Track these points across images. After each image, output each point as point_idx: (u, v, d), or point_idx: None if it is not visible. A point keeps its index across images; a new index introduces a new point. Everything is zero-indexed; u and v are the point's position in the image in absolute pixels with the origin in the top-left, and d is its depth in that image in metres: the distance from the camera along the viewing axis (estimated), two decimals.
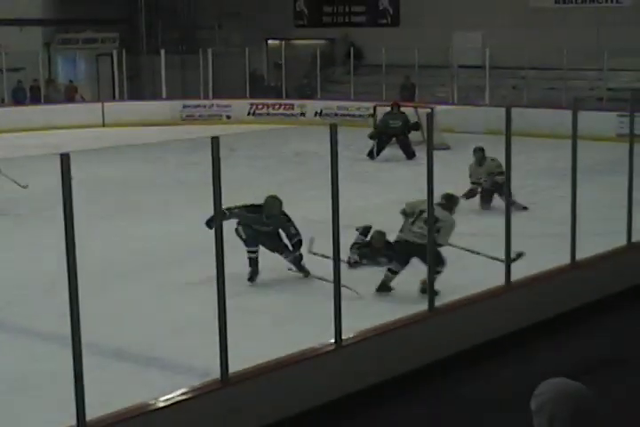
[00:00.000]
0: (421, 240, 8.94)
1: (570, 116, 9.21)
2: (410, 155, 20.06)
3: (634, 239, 10.15)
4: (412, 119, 20.84)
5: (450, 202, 9.93)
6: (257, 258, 10.43)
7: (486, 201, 14.47)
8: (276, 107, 28.25)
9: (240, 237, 10.36)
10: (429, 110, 21.24)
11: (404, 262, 9.75)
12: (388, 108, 20.90)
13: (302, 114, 27.95)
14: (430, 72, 27.30)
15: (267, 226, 10.35)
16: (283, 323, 9.00)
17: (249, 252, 10.37)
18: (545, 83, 26.03)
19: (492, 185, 14.20)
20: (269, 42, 33.17)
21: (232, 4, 32.98)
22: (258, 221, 10.31)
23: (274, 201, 10.37)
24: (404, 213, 9.87)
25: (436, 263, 8.50)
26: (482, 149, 14.83)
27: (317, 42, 31.44)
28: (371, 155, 20.22)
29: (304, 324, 8.66)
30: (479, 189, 14.59)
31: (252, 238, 10.34)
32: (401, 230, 9.82)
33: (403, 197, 10.95)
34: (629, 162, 10.10)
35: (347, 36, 31.33)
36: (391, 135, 20.34)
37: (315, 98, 28.42)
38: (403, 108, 21.01)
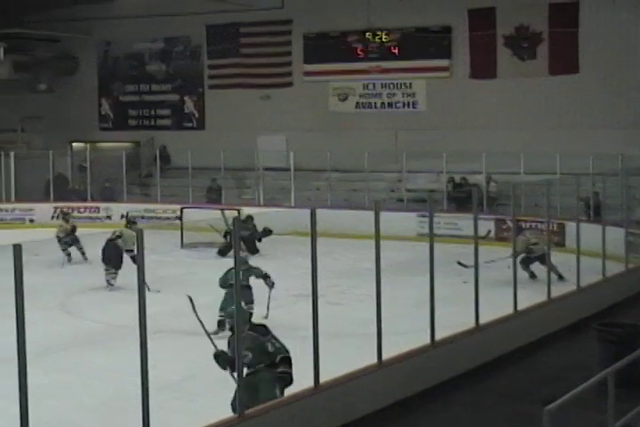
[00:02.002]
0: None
1: (372, 216, 9.39)
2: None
3: (437, 337, 10.33)
4: (219, 222, 20.91)
5: None
6: None
7: None
8: (82, 210, 27.76)
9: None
10: (236, 213, 21.50)
11: None
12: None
13: (108, 217, 27.58)
14: (236, 175, 27.63)
15: None
16: None
17: None
18: (347, 184, 26.71)
19: None
20: (74, 144, 32.80)
21: (34, 107, 32.62)
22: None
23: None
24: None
25: None
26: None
27: (123, 144, 31.32)
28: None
29: None
30: None
31: None
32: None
33: (207, 301, 10.84)
34: (430, 261, 10.35)
35: (152, 140, 31.38)
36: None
37: (121, 201, 28.12)
38: (209, 211, 21.10)
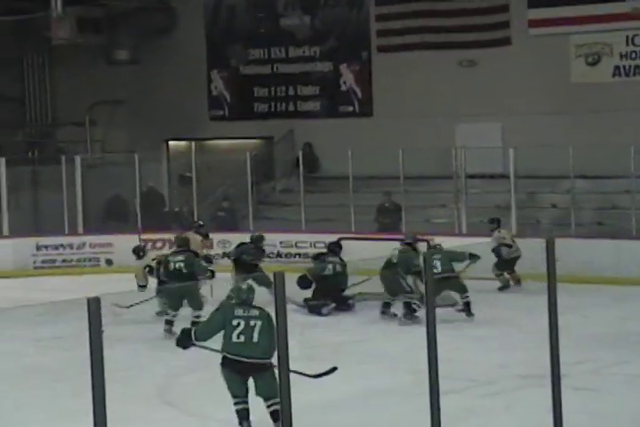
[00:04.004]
0: None
1: None
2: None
3: None
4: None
5: None
6: None
7: None
8: None
9: None
10: (425, 244, 21.56)
11: None
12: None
13: (226, 255, 27.97)
14: (423, 186, 27.64)
15: None
16: None
17: None
18: (602, 199, 26.39)
19: None
20: (171, 144, 33.47)
21: (109, 86, 33.19)
22: None
23: None
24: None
25: None
26: None
27: (247, 142, 31.80)
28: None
29: None
30: None
31: None
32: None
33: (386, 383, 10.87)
34: None
35: (292, 134, 31.72)
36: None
37: (244, 230, 28.48)
38: (381, 243, 21.26)
